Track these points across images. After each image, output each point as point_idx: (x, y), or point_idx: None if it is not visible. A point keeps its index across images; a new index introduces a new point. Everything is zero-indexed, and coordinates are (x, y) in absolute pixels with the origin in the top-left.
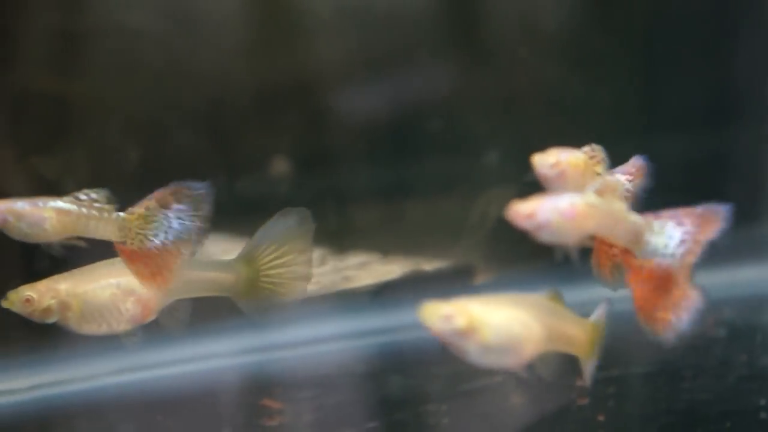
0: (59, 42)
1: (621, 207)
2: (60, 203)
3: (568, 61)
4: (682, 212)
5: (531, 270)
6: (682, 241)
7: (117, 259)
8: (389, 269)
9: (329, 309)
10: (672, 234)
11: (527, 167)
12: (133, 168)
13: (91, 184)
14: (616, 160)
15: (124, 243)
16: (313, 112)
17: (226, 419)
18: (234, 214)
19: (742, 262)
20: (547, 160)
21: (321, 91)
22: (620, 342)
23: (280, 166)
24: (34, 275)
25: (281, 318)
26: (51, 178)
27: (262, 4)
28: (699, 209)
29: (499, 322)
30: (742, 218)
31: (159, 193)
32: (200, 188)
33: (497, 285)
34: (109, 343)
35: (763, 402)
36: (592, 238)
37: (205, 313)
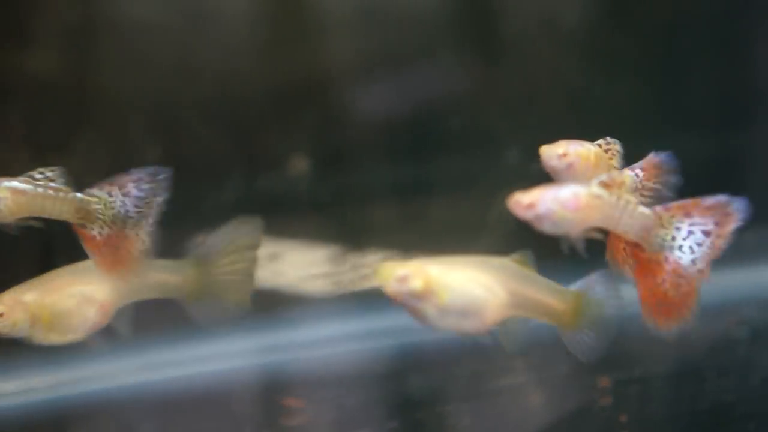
0: (76, 39)
1: (629, 200)
2: (15, 183)
3: (588, 58)
4: (692, 204)
5: (551, 268)
6: (690, 233)
7: (77, 266)
8: None
9: (349, 308)
10: (680, 226)
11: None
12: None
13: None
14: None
15: (83, 226)
16: (333, 109)
17: (246, 419)
18: (253, 212)
19: (763, 262)
20: (555, 151)
21: (340, 89)
22: (642, 342)
23: (299, 164)
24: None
25: (301, 316)
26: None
27: (282, 2)
28: (710, 201)
29: (458, 284)
30: (762, 218)
31: (119, 178)
32: (161, 174)
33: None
34: (128, 342)
35: None
36: (599, 230)
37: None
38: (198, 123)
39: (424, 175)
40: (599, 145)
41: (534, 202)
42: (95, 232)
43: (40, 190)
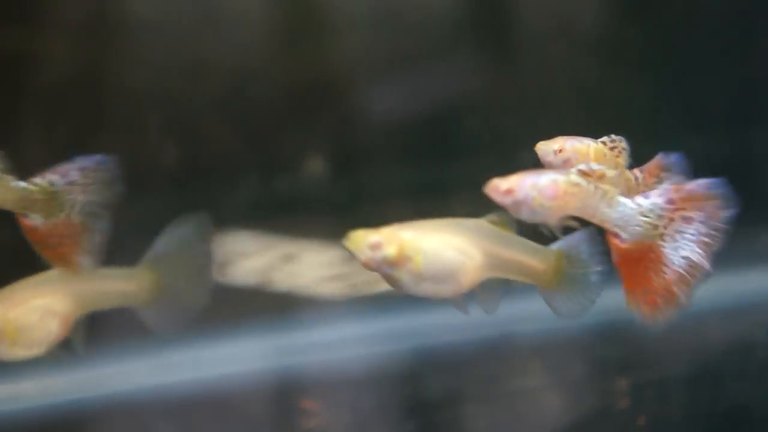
0: (88, 39)
1: (607, 189)
2: None
3: (603, 58)
4: (673, 190)
5: None
6: (671, 221)
7: (36, 278)
8: None
9: (364, 309)
10: (660, 214)
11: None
12: (168, 168)
13: (127, 183)
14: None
15: (25, 216)
16: (348, 110)
17: (262, 421)
18: (268, 213)
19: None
20: (551, 147)
21: (355, 90)
22: (660, 344)
23: (314, 165)
24: None
25: (316, 318)
26: None
27: (297, 6)
28: (691, 186)
29: (432, 249)
30: None
31: (62, 166)
32: (106, 163)
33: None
34: (144, 343)
35: None
36: (576, 219)
37: (240, 313)
38: (213, 124)
39: (439, 175)
40: (604, 143)
41: (512, 188)
42: (38, 222)
43: None
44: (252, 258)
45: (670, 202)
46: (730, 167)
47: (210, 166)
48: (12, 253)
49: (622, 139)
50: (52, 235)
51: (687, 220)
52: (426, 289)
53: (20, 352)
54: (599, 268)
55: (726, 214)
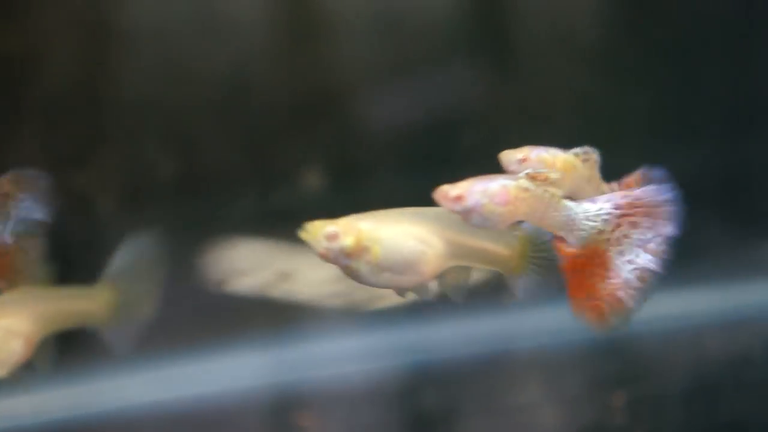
0: (84, 49)
1: (554, 193)
2: None
3: (601, 70)
4: (620, 195)
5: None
6: (618, 226)
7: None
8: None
9: (362, 325)
10: (606, 219)
11: None
12: (165, 180)
13: (124, 197)
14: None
15: None
16: (346, 122)
17: None
18: (266, 226)
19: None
20: (515, 156)
21: (354, 102)
22: (657, 359)
23: (313, 178)
24: None
25: (314, 334)
26: (83, 191)
27: (295, 15)
28: (638, 191)
29: (391, 239)
30: None
31: None
32: (41, 178)
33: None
34: (138, 358)
35: None
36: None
37: (237, 328)
38: (210, 136)
39: (438, 187)
40: (576, 154)
41: (462, 195)
42: None
43: None
44: (248, 276)
45: (617, 207)
46: (728, 179)
47: (207, 178)
48: None
49: (594, 150)
50: None
51: (634, 225)
52: (386, 280)
53: None
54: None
55: (673, 220)
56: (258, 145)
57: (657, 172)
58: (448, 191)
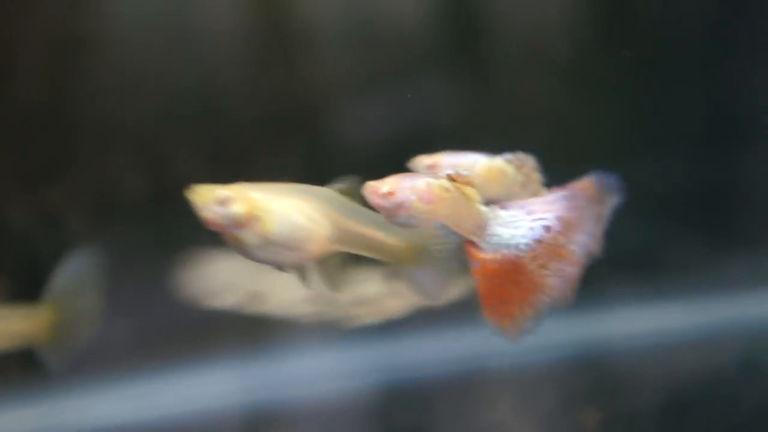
0: (54, 64)
1: (470, 196)
2: None
3: (577, 82)
4: (533, 201)
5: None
6: (531, 229)
7: None
8: (396, 304)
9: (334, 345)
10: (519, 224)
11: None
12: (136, 195)
13: (93, 212)
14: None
15: None
16: (320, 135)
17: None
18: None
19: (754, 291)
20: (425, 162)
21: (327, 115)
22: (630, 376)
23: None
24: None
25: (287, 354)
26: (51, 207)
27: (269, 28)
28: (550, 196)
29: (283, 212)
30: (751, 246)
31: None
32: None
33: None
34: (108, 376)
35: None
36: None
37: (207, 346)
38: (182, 151)
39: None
40: (508, 161)
41: (393, 191)
42: None
43: None
44: (221, 293)
45: (530, 212)
46: (701, 194)
47: (179, 193)
48: None
49: (530, 156)
50: None
51: (547, 229)
52: (270, 254)
53: None
54: (455, 242)
55: (586, 222)
56: (231, 160)
57: (607, 178)
58: (378, 187)
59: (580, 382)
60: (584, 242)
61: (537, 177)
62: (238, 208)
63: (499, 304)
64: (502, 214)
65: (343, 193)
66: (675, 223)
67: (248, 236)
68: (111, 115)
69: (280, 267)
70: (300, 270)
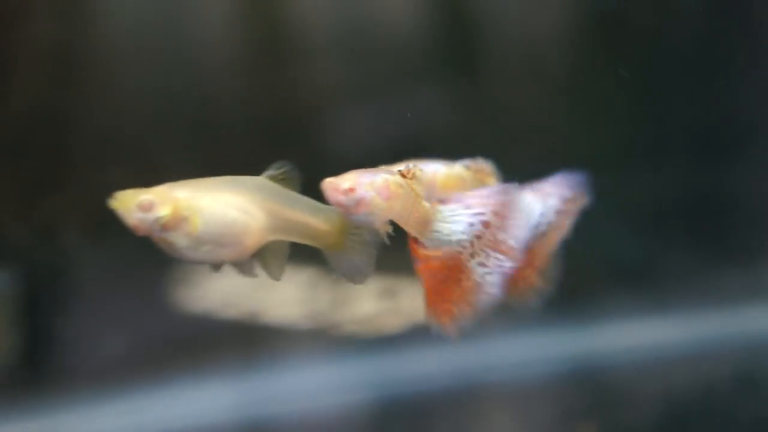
0: (49, 73)
1: (417, 192)
2: None
3: (569, 94)
4: (470, 195)
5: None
6: (470, 225)
7: None
8: (394, 321)
9: (330, 359)
10: (458, 219)
11: None
12: None
13: (90, 225)
14: (621, 195)
15: None
16: (313, 142)
17: None
18: None
19: (748, 305)
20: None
21: (320, 123)
22: (626, 390)
23: None
24: None
25: (281, 369)
26: (47, 219)
27: (263, 37)
28: (487, 191)
29: (211, 209)
30: (746, 260)
31: None
32: None
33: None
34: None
35: None
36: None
37: (203, 360)
38: (176, 158)
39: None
40: (468, 167)
41: (354, 187)
42: None
43: None
44: (218, 312)
45: (467, 206)
46: (697, 208)
47: None
48: None
49: (487, 161)
50: None
51: (485, 225)
52: (206, 253)
53: None
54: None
55: (520, 217)
56: (224, 167)
57: (575, 176)
58: (338, 183)
59: (578, 395)
60: (521, 237)
61: (494, 182)
62: (162, 212)
63: (441, 302)
64: (442, 209)
65: (276, 180)
66: (672, 236)
67: (177, 238)
68: (106, 126)
69: (217, 265)
70: (240, 265)
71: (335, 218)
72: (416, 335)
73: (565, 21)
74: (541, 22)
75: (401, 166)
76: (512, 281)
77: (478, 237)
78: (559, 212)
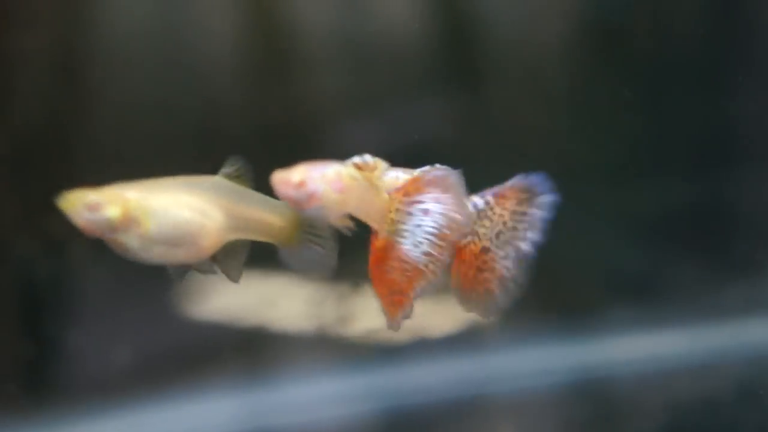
0: (52, 81)
1: (375, 184)
2: None
3: (570, 104)
4: (411, 182)
5: (542, 320)
6: (409, 215)
7: None
8: (399, 336)
9: (336, 369)
10: (401, 209)
11: None
12: None
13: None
14: (624, 207)
15: None
16: (315, 154)
17: None
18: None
19: (749, 317)
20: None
21: (322, 135)
22: (630, 402)
23: None
24: None
25: (285, 380)
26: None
27: (266, 48)
28: (428, 176)
29: (164, 209)
30: (747, 272)
31: None
32: None
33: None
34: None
35: None
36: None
37: (205, 372)
38: (180, 171)
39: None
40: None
41: (304, 180)
42: None
43: None
44: (224, 322)
45: (406, 194)
46: (701, 221)
47: None
48: None
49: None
50: None
51: (426, 212)
52: (159, 254)
53: None
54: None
55: (456, 203)
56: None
57: (535, 179)
58: (288, 178)
59: (580, 408)
60: (461, 226)
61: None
62: (111, 212)
63: (389, 293)
64: (393, 198)
65: (231, 178)
66: (674, 248)
67: (129, 239)
68: (111, 137)
69: (179, 270)
70: (200, 265)
71: (288, 213)
72: (419, 347)
73: (567, 34)
74: (543, 36)
75: (356, 159)
76: (468, 285)
77: (419, 226)
78: (515, 213)
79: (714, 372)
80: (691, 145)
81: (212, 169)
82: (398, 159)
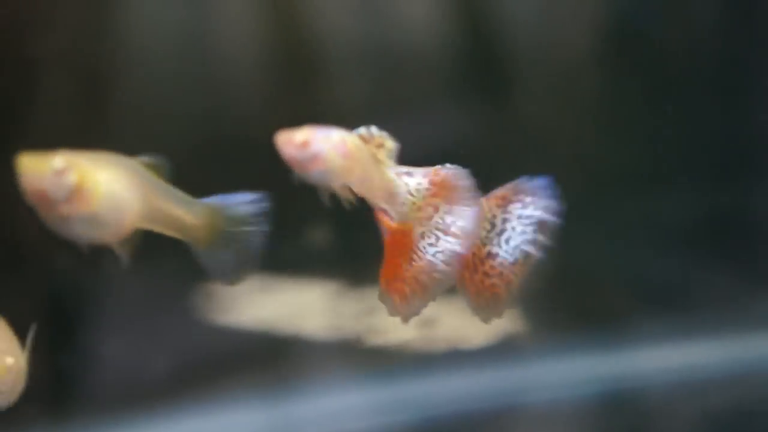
0: (69, 84)
1: (382, 160)
2: None
3: (594, 112)
4: (433, 171)
5: (574, 331)
6: (428, 204)
7: None
8: (430, 347)
9: (364, 380)
10: (426, 195)
11: None
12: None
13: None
14: (652, 217)
15: None
16: None
17: None
18: (263, 275)
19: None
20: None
21: None
22: (664, 412)
23: (311, 230)
24: None
25: (308, 391)
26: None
27: (286, 54)
28: (443, 170)
29: (109, 184)
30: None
31: None
32: None
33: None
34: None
35: None
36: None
37: (228, 384)
38: (199, 177)
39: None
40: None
41: (308, 141)
42: None
43: None
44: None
45: (432, 183)
46: (731, 229)
47: None
48: None
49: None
50: None
51: (437, 208)
52: (85, 229)
53: None
54: (261, 229)
55: (471, 206)
56: (247, 184)
57: (541, 181)
58: (292, 137)
59: (613, 418)
60: (471, 223)
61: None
62: (73, 179)
63: (394, 280)
64: (409, 182)
65: (149, 167)
66: (704, 258)
67: (75, 210)
68: (134, 143)
69: (88, 241)
70: (117, 245)
71: (206, 213)
72: (452, 357)
73: (594, 40)
74: (567, 42)
75: (362, 130)
76: (475, 289)
77: (430, 218)
78: (521, 218)
79: (747, 382)
80: (721, 153)
81: (234, 178)
82: (421, 165)
